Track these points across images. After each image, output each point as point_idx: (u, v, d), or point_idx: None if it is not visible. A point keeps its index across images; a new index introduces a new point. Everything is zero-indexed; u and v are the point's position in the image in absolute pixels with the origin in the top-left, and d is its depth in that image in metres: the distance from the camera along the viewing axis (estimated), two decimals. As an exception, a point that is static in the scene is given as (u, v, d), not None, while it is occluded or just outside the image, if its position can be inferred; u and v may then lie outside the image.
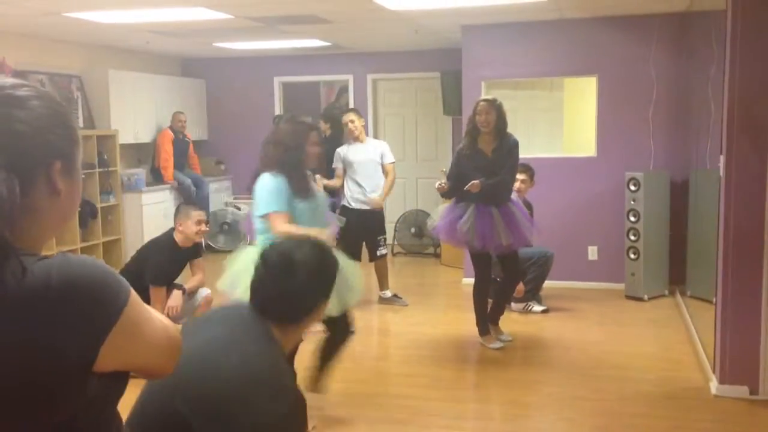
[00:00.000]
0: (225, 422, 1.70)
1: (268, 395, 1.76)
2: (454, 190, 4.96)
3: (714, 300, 4.26)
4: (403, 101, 9.32)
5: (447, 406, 4.15)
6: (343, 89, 10.10)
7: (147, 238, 8.34)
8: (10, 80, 1.16)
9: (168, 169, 8.36)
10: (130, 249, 7.97)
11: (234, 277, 3.54)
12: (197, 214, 4.74)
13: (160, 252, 4.66)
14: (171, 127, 8.48)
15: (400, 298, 6.43)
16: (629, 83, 6.57)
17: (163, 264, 4.56)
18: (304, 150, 3.65)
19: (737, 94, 3.92)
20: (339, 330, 3.78)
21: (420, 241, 8.49)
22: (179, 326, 1.38)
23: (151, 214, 8.14)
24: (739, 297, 4.02)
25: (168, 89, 8.92)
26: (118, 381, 1.17)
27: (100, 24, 6.38)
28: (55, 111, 1.16)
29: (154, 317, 1.21)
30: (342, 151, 6.35)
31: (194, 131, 9.17)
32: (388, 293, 6.42)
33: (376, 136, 9.40)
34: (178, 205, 5.06)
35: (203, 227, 4.77)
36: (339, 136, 9.09)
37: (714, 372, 4.20)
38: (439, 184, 4.98)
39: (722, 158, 4.03)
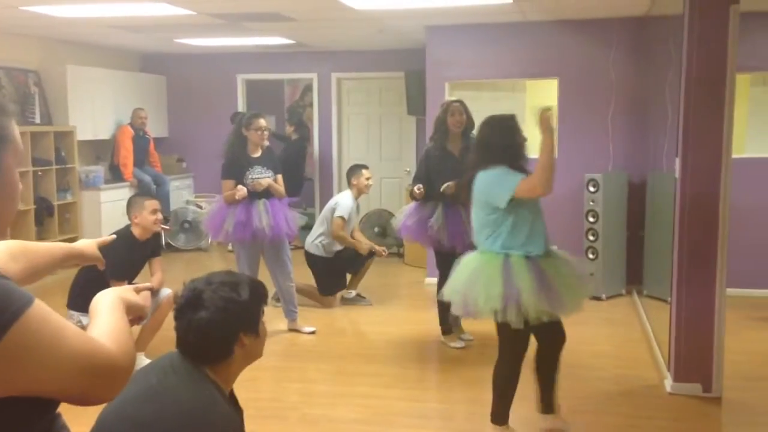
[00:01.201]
0: None
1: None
2: (426, 191, 4.94)
3: (669, 300, 4.36)
4: (368, 100, 9.32)
5: (410, 405, 4.17)
6: (308, 88, 10.07)
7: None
8: None
9: (127, 166, 8.24)
10: (88, 247, 7.84)
11: (453, 282, 3.51)
12: (151, 203, 4.66)
13: (120, 245, 4.58)
14: (131, 124, 8.35)
15: (364, 297, 6.44)
16: (589, 86, 6.67)
17: (122, 257, 4.49)
18: (518, 143, 3.59)
19: (692, 98, 4.01)
20: (549, 340, 3.58)
21: (383, 240, 8.49)
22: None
23: (110, 212, 8.00)
24: (693, 297, 4.11)
25: (128, 85, 8.78)
26: (23, 406, 1.08)
27: (58, 18, 6.25)
28: None
29: (70, 337, 1.10)
30: (352, 208, 6.21)
31: (155, 128, 9.05)
32: (352, 293, 6.43)
33: (339, 136, 9.41)
34: (129, 197, 4.95)
35: (159, 216, 4.70)
36: (305, 138, 9.07)
37: (669, 370, 4.29)
38: (418, 189, 4.90)
39: (678, 160, 4.12)
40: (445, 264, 5.13)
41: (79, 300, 4.53)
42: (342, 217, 6.06)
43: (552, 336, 3.58)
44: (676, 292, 4.17)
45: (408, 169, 9.00)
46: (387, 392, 4.34)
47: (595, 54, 6.63)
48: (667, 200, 4.50)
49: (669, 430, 3.85)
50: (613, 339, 5.33)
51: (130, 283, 4.63)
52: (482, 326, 5.56)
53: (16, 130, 1.18)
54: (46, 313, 1.09)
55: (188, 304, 1.93)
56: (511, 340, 3.44)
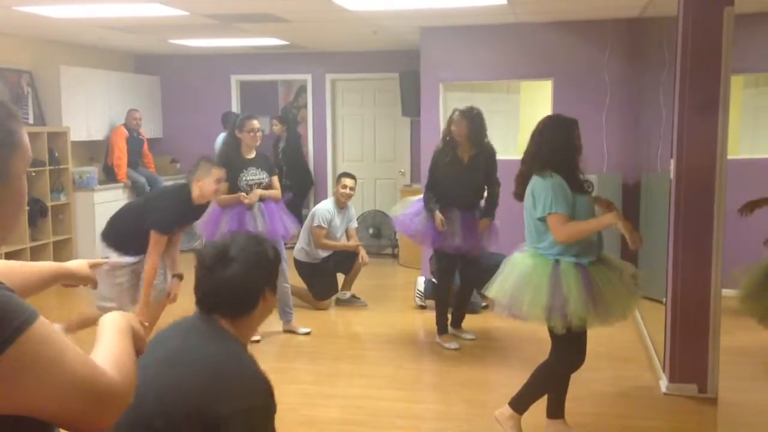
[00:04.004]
0: (211, 425, 1.74)
1: (239, 386, 1.81)
2: (435, 198, 4.99)
3: (664, 301, 4.36)
4: (362, 101, 9.32)
5: (404, 406, 4.16)
6: (302, 89, 10.05)
7: (99, 237, 8.16)
8: None
9: (121, 167, 8.21)
10: (81, 249, 7.81)
11: (501, 284, 3.46)
12: (218, 172, 4.46)
13: (174, 199, 4.42)
14: (125, 125, 8.32)
15: (359, 298, 6.43)
16: (584, 87, 6.68)
17: (172, 211, 4.31)
18: (574, 145, 3.52)
19: (687, 99, 4.02)
20: (569, 353, 3.51)
21: (378, 241, 8.50)
22: (132, 366, 1.24)
23: (104, 212, 7.93)
24: (689, 298, 4.12)
25: (122, 86, 8.75)
26: (22, 425, 1.07)
27: (52, 18, 6.22)
28: None
29: (71, 359, 1.08)
30: (331, 214, 6.21)
31: (149, 129, 9.02)
32: (347, 294, 6.42)
33: (334, 137, 9.40)
34: (199, 159, 4.66)
35: (221, 186, 4.54)
36: (295, 138, 9.07)
37: (664, 371, 4.30)
38: (441, 221, 4.92)
39: (672, 162, 4.13)
40: (445, 264, 5.16)
41: (116, 238, 4.41)
42: (320, 226, 6.08)
43: (572, 351, 3.55)
44: (671, 292, 4.18)
45: (402, 170, 9.00)
46: (382, 393, 4.34)
47: (590, 55, 6.64)
48: (662, 201, 4.51)
49: (664, 431, 3.86)
50: (608, 340, 5.32)
51: (169, 240, 4.46)
52: (478, 327, 5.57)
53: (25, 136, 1.17)
54: (50, 331, 1.08)
55: (219, 260, 1.98)
56: (573, 342, 3.43)
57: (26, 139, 1.17)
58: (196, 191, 4.43)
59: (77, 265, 1.80)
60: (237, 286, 1.97)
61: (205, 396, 1.77)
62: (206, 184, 4.42)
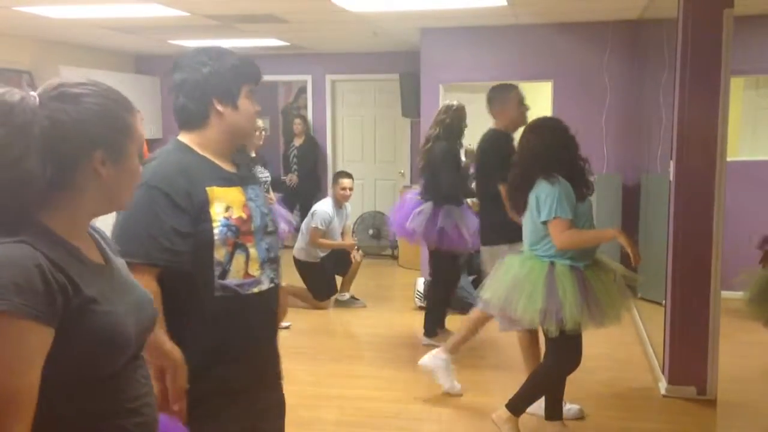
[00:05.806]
0: None
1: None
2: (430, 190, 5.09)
3: (663, 302, 4.36)
4: (362, 102, 9.31)
5: (403, 407, 4.16)
6: (302, 90, 10.05)
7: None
8: (75, 79, 1.31)
9: (121, 167, 8.22)
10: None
11: (495, 286, 3.46)
12: (517, 93, 4.29)
13: (500, 145, 4.21)
14: (125, 125, 8.34)
15: (358, 299, 6.43)
16: (584, 88, 6.68)
17: (507, 153, 4.06)
18: (575, 144, 3.47)
19: (687, 101, 4.01)
20: (565, 355, 3.48)
21: (378, 242, 8.49)
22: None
23: (103, 213, 7.98)
24: (688, 300, 4.11)
25: (121, 86, 8.33)
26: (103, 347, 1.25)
27: (52, 19, 6.22)
28: (104, 107, 1.31)
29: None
30: (331, 216, 6.24)
31: (148, 130, 9.02)
32: (346, 295, 6.42)
33: (334, 138, 9.40)
34: (491, 90, 4.43)
35: (527, 107, 4.35)
36: (312, 143, 9.08)
37: (663, 372, 4.29)
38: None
39: (672, 163, 4.12)
40: (454, 264, 5.19)
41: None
42: (317, 228, 6.10)
43: (566, 353, 3.53)
44: (670, 294, 4.17)
45: (402, 171, 8.99)
46: (381, 394, 4.33)
47: (590, 57, 6.64)
48: (662, 203, 4.51)
49: (663, 433, 3.85)
50: (608, 342, 5.32)
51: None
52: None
53: (138, 123, 1.40)
54: (12, 331, 1.11)
55: (171, 70, 2.01)
56: (569, 344, 3.42)
57: (138, 125, 1.39)
58: (505, 121, 4.24)
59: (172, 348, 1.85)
60: (179, 94, 1.99)
61: None
62: (513, 109, 4.22)
